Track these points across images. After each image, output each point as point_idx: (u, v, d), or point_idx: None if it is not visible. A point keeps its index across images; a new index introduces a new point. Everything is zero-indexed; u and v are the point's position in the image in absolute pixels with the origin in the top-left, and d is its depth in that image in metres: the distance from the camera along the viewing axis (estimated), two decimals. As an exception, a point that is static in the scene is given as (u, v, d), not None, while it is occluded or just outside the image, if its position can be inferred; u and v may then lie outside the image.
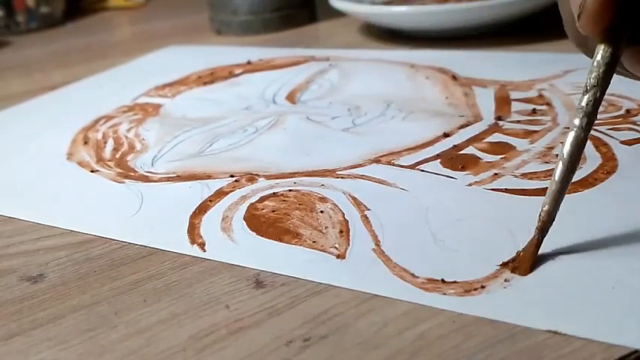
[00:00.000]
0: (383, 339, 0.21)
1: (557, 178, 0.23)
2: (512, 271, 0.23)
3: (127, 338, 0.22)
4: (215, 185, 0.33)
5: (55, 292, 0.26)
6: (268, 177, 0.33)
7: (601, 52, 0.23)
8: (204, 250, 0.27)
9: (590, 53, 0.23)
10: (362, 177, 0.32)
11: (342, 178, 0.32)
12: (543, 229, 0.23)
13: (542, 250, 0.24)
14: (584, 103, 0.23)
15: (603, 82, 0.23)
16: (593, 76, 0.23)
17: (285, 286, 0.24)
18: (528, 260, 0.23)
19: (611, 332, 0.20)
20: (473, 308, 0.22)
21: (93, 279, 0.26)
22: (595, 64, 0.23)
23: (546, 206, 0.23)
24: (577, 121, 0.23)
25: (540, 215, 0.23)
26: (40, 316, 0.24)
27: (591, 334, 0.20)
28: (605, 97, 0.37)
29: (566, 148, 0.23)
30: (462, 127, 0.37)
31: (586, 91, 0.23)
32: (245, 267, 0.26)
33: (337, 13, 0.66)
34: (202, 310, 0.23)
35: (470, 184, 0.30)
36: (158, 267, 0.26)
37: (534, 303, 0.22)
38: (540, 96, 0.40)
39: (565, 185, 0.23)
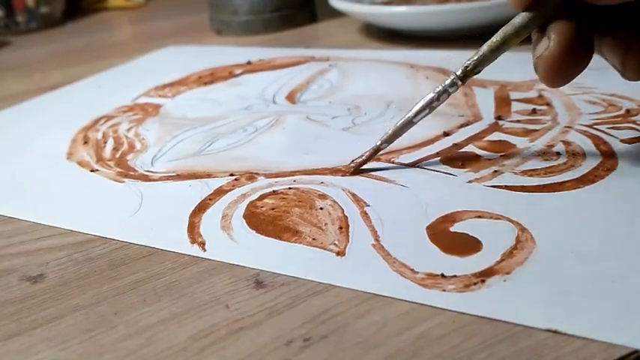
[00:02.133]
0: (383, 339, 0.21)
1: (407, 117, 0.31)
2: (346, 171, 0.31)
3: (127, 338, 0.22)
4: (215, 184, 0.33)
5: (55, 292, 0.26)
6: (268, 176, 0.33)
7: (517, 18, 0.27)
8: (205, 250, 0.27)
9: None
10: (362, 174, 0.32)
11: (342, 175, 0.32)
12: (382, 144, 0.31)
13: (542, 248, 0.24)
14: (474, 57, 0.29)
15: (481, 59, 0.28)
16: (490, 40, 0.28)
17: (285, 286, 0.24)
18: (358, 166, 0.32)
19: (611, 332, 0.20)
20: (473, 305, 0.22)
21: (93, 279, 0.26)
22: (508, 25, 0.27)
23: (391, 129, 0.31)
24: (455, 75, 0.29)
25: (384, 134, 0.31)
26: (40, 316, 0.24)
27: (591, 333, 0.20)
28: (606, 97, 0.38)
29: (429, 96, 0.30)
30: (462, 126, 0.37)
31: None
32: (245, 267, 0.26)
33: (337, 13, 0.66)
34: (202, 310, 0.23)
35: (470, 181, 0.30)
36: (158, 267, 0.26)
37: (534, 300, 0.22)
38: (540, 96, 0.40)
39: (407, 125, 0.31)
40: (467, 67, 0.29)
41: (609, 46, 0.26)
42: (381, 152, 0.34)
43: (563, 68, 0.25)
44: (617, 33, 0.25)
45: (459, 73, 0.29)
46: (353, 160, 0.32)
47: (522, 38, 0.27)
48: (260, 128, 0.40)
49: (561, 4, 0.26)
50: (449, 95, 0.30)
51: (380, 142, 0.31)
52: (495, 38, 0.28)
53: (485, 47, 0.28)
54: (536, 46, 0.26)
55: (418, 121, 0.30)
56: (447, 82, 0.29)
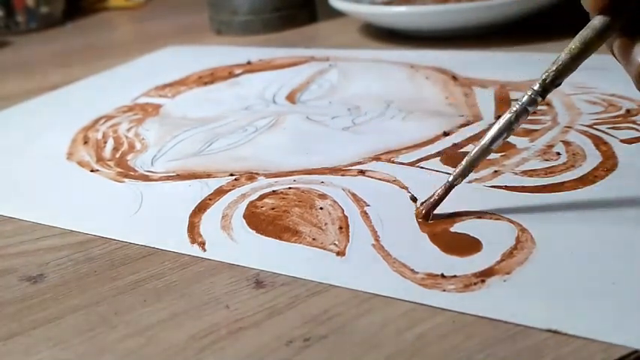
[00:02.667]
0: (383, 339, 0.21)
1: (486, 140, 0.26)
2: (417, 217, 0.27)
3: (127, 338, 0.22)
4: (215, 184, 0.33)
5: (55, 292, 0.26)
6: (268, 175, 0.33)
7: (596, 20, 0.24)
8: (205, 250, 0.27)
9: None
10: (362, 173, 0.32)
11: (341, 175, 0.32)
12: (455, 180, 0.27)
13: (542, 248, 0.24)
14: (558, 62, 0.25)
15: (562, 69, 0.25)
16: (568, 47, 0.25)
17: (285, 285, 0.24)
18: (431, 209, 0.27)
19: (611, 332, 0.20)
20: (473, 305, 0.22)
21: (93, 279, 0.26)
22: (587, 28, 0.25)
23: (465, 161, 0.26)
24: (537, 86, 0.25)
25: (458, 167, 0.27)
26: (40, 316, 0.24)
27: (591, 333, 0.20)
28: (606, 97, 0.38)
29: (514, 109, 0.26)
30: (462, 126, 0.37)
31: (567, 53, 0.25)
32: (245, 267, 0.26)
33: (337, 13, 0.66)
34: (202, 310, 0.23)
35: (470, 181, 0.30)
36: (158, 267, 0.26)
37: (534, 300, 0.22)
38: (540, 96, 0.40)
39: (485, 154, 0.26)
40: (545, 79, 0.25)
41: None
42: (382, 152, 0.34)
43: None
44: None
45: (537, 87, 0.25)
46: (424, 202, 0.28)
47: (604, 41, 0.25)
48: (260, 128, 0.40)
49: None
50: (528, 114, 0.26)
51: (453, 177, 0.27)
52: (574, 44, 0.25)
53: (564, 55, 0.25)
54: (630, 55, 0.24)
55: (496, 147, 0.26)
56: (525, 99, 0.26)
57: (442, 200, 0.27)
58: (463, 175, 0.27)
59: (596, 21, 0.25)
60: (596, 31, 0.25)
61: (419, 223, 0.27)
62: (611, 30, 0.24)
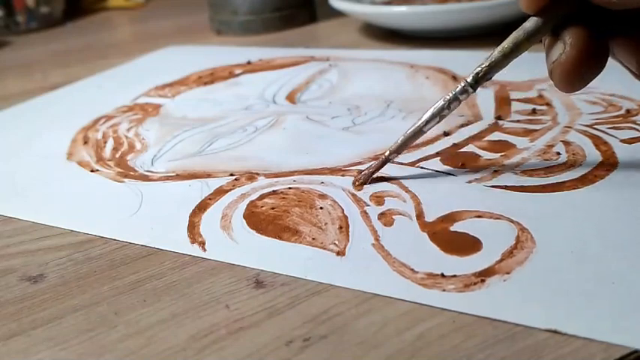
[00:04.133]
0: (383, 339, 0.21)
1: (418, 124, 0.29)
2: (354, 184, 0.30)
3: (127, 338, 0.22)
4: (215, 184, 0.33)
5: (55, 292, 0.26)
6: (268, 175, 0.33)
7: (528, 23, 0.26)
8: (205, 250, 0.27)
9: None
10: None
11: (342, 175, 0.32)
12: (391, 155, 0.30)
13: (542, 248, 0.24)
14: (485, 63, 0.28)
15: (493, 65, 0.27)
16: (501, 46, 0.27)
17: (285, 285, 0.24)
18: (367, 179, 0.30)
19: (611, 332, 0.20)
20: (473, 305, 0.22)
21: (93, 279, 0.26)
22: (520, 29, 0.26)
23: (400, 138, 0.30)
24: (469, 79, 0.28)
25: (392, 145, 0.30)
26: (40, 316, 0.24)
27: (591, 333, 0.20)
28: (606, 97, 0.38)
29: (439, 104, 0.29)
30: (462, 126, 0.37)
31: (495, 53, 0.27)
32: (245, 267, 0.26)
33: (337, 13, 0.66)
34: (202, 310, 0.23)
35: (470, 181, 0.30)
36: (158, 267, 0.26)
37: (534, 299, 0.22)
38: (540, 96, 0.40)
39: (417, 134, 0.29)
40: (478, 73, 0.28)
41: (624, 49, 0.25)
42: (382, 152, 0.34)
43: (581, 72, 0.24)
44: (633, 35, 0.25)
45: (469, 79, 0.28)
46: (360, 172, 0.31)
47: (534, 43, 0.26)
48: (260, 128, 0.40)
49: (574, 7, 0.25)
50: (460, 103, 0.29)
51: (388, 152, 0.30)
52: (507, 43, 0.27)
53: (496, 53, 0.27)
54: (549, 51, 0.25)
55: (428, 129, 0.29)
56: (458, 89, 0.28)
57: (376, 171, 0.31)
58: (397, 151, 0.30)
59: (529, 23, 0.26)
60: (526, 34, 0.26)
61: (419, 223, 0.27)
62: (541, 33, 0.26)
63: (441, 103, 0.29)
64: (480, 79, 0.28)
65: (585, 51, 0.24)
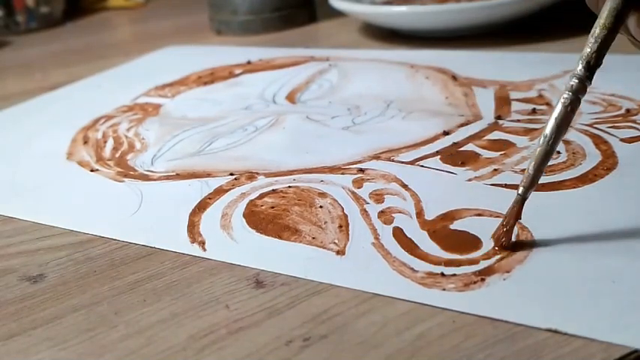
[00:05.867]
0: (383, 339, 0.21)
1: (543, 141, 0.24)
2: (496, 243, 0.25)
3: (127, 338, 0.22)
4: (214, 183, 0.33)
5: (55, 292, 0.26)
6: (268, 175, 0.33)
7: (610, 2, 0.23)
8: (205, 249, 0.27)
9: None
10: (361, 172, 0.32)
11: (341, 173, 0.32)
12: (527, 192, 0.24)
13: (541, 247, 0.24)
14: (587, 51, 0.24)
15: (601, 45, 0.24)
16: (600, 23, 0.24)
17: (285, 285, 0.24)
18: (510, 233, 0.25)
19: (611, 332, 0.20)
20: (473, 305, 0.22)
21: (93, 279, 0.26)
22: (604, 11, 0.23)
23: (531, 168, 0.24)
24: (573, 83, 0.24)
25: (524, 179, 0.24)
26: (40, 316, 0.24)
27: (591, 333, 0.20)
28: (606, 97, 0.38)
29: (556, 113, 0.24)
30: (462, 125, 0.37)
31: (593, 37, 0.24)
32: (245, 267, 0.26)
33: (337, 13, 0.66)
34: (202, 310, 0.23)
35: (470, 180, 0.30)
36: (158, 267, 0.26)
37: (534, 299, 0.22)
38: (540, 96, 0.40)
39: (548, 155, 0.24)
40: (589, 61, 0.24)
41: None
42: (381, 151, 0.34)
43: None
44: None
45: (580, 71, 0.24)
46: (502, 225, 0.25)
47: (632, 8, 0.23)
48: (260, 128, 0.40)
49: None
50: (580, 102, 0.24)
51: (522, 189, 0.24)
52: (604, 19, 0.24)
53: (598, 31, 0.24)
54: None
55: (557, 146, 0.24)
56: (575, 87, 0.24)
57: (518, 218, 0.25)
58: (532, 184, 0.24)
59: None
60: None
61: (419, 221, 0.27)
62: None
63: (561, 109, 0.24)
64: (592, 67, 0.24)
65: None
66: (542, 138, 0.24)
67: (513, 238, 0.25)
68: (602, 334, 0.20)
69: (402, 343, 0.21)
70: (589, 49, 0.24)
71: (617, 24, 0.24)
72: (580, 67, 0.24)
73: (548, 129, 0.24)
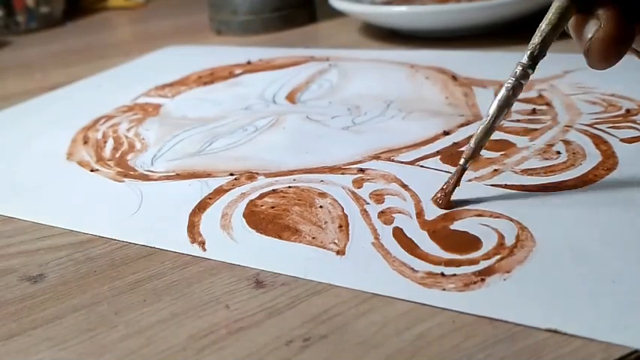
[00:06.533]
0: (383, 339, 0.21)
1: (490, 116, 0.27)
2: (435, 203, 0.28)
3: (127, 338, 0.22)
4: (215, 183, 0.33)
5: (55, 292, 0.26)
6: (268, 175, 0.33)
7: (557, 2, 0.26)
8: (205, 249, 0.27)
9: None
10: (361, 172, 0.32)
11: (341, 173, 0.32)
12: (466, 163, 0.28)
13: (541, 247, 0.24)
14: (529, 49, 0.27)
15: (545, 39, 0.26)
16: (547, 17, 0.26)
17: (285, 285, 0.24)
18: (449, 195, 0.28)
19: (611, 332, 0.20)
20: (473, 305, 0.22)
21: (93, 279, 0.26)
22: (552, 8, 0.26)
23: (472, 142, 0.27)
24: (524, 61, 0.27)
25: (465, 151, 0.27)
26: (40, 316, 0.24)
27: (591, 333, 0.20)
28: (606, 97, 0.38)
29: (500, 95, 0.27)
30: (462, 125, 0.37)
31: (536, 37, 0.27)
32: (245, 267, 0.26)
33: (337, 13, 0.66)
34: (202, 310, 0.23)
35: (470, 180, 0.30)
36: (158, 267, 0.26)
37: (534, 299, 0.22)
38: (540, 96, 0.40)
39: (489, 132, 0.27)
40: (532, 52, 0.27)
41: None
42: (381, 151, 0.34)
43: (619, 46, 0.25)
44: None
45: (525, 61, 0.27)
46: (442, 189, 0.28)
47: (577, 6, 0.26)
48: (260, 128, 0.40)
49: None
50: (522, 88, 0.27)
51: (463, 160, 0.28)
52: (551, 14, 0.26)
53: (544, 27, 0.26)
54: (581, 30, 0.26)
55: (498, 124, 0.27)
56: (518, 73, 0.27)
57: (457, 184, 0.28)
58: (473, 156, 0.28)
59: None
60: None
61: (419, 221, 0.27)
62: None
63: (504, 92, 0.27)
64: (536, 58, 0.27)
65: (621, 26, 0.24)
66: (485, 117, 0.27)
67: (513, 239, 0.25)
68: (602, 334, 0.20)
69: (402, 343, 0.21)
70: (535, 41, 0.27)
71: (561, 21, 0.26)
72: (525, 56, 0.27)
73: (491, 109, 0.27)
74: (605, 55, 0.25)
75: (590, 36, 0.25)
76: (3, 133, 0.45)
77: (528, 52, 0.27)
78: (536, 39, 0.27)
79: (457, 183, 0.28)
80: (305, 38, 0.65)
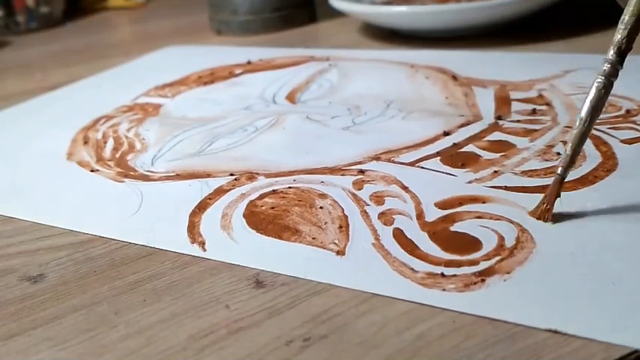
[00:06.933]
0: (383, 339, 0.21)
1: (582, 119, 0.25)
2: (539, 219, 0.26)
3: (127, 338, 0.22)
4: (215, 183, 0.33)
5: (55, 292, 0.26)
6: (268, 175, 0.33)
7: None
8: (205, 249, 0.27)
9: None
10: (361, 173, 0.32)
11: (341, 174, 0.32)
12: (565, 172, 0.26)
13: (541, 248, 0.24)
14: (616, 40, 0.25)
15: (631, 31, 0.25)
16: (629, 10, 0.25)
17: (285, 285, 0.24)
18: (550, 209, 0.26)
19: (611, 332, 0.20)
20: (473, 305, 0.22)
21: (93, 279, 0.26)
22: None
23: (568, 149, 0.26)
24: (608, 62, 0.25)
25: (562, 160, 0.26)
26: (40, 316, 0.24)
27: (591, 333, 0.20)
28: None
29: (591, 94, 0.26)
30: (462, 126, 0.37)
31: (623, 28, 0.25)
32: (245, 267, 0.26)
33: (337, 13, 0.66)
34: (202, 310, 0.23)
35: (470, 182, 0.30)
36: (158, 267, 0.26)
37: (534, 299, 0.22)
38: (540, 96, 0.40)
39: (584, 137, 0.26)
40: (620, 47, 0.25)
41: None
42: (381, 152, 0.34)
43: None
44: None
45: (612, 56, 0.26)
46: (543, 202, 0.27)
47: None
48: (260, 128, 0.40)
49: None
50: (612, 86, 0.26)
51: (561, 169, 0.26)
52: (632, 6, 0.25)
53: (627, 18, 0.25)
54: None
55: (592, 127, 0.26)
56: (607, 71, 0.26)
57: (558, 196, 0.26)
58: (570, 164, 0.26)
59: None
60: None
61: (419, 223, 0.27)
62: None
63: (594, 93, 0.26)
64: (623, 52, 0.25)
65: None
66: (578, 121, 0.26)
67: (513, 241, 0.25)
68: (602, 334, 0.20)
69: (402, 343, 0.21)
70: (620, 36, 0.25)
71: None
72: (612, 52, 0.26)
73: (584, 112, 0.26)
74: None
75: None
76: (3, 133, 0.45)
77: (615, 48, 0.25)
78: (620, 33, 0.25)
79: (557, 194, 0.26)
80: (305, 38, 0.65)
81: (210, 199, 0.31)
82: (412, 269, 0.24)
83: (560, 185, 0.26)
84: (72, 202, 0.33)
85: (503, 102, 0.39)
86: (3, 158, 0.40)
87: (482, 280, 0.23)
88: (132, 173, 0.36)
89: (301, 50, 0.57)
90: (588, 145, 0.32)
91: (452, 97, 0.42)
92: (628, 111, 0.36)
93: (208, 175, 0.34)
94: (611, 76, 0.26)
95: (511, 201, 0.28)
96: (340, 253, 0.26)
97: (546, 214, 0.26)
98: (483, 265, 0.24)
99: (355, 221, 0.28)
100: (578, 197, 0.28)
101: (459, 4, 0.53)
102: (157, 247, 0.28)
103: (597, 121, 0.34)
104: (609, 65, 0.26)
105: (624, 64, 0.26)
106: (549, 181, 0.29)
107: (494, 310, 0.21)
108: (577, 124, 0.26)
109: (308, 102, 0.44)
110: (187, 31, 0.75)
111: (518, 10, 0.53)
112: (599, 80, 0.26)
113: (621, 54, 0.26)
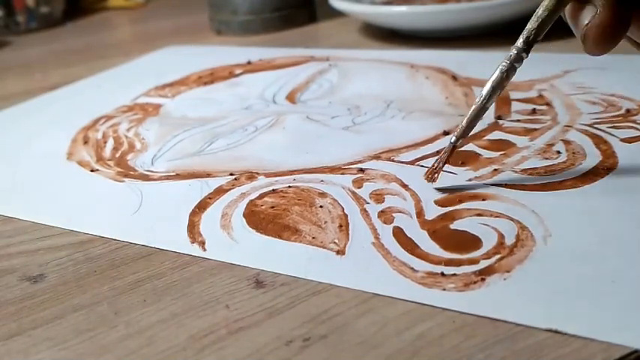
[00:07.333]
0: (383, 339, 0.21)
1: (478, 101, 0.28)
2: (427, 180, 0.29)
3: (127, 338, 0.22)
4: (215, 183, 0.33)
5: (55, 292, 0.26)
6: (268, 175, 0.33)
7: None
8: (205, 249, 0.27)
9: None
10: (361, 172, 0.32)
11: (341, 173, 0.32)
12: (457, 141, 0.29)
13: (541, 247, 0.24)
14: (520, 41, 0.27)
15: (541, 24, 0.27)
16: (544, 4, 0.27)
17: (285, 285, 0.24)
18: (438, 171, 0.29)
19: (611, 332, 0.20)
20: (473, 305, 0.22)
21: (93, 279, 0.26)
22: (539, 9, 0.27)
23: (464, 121, 0.28)
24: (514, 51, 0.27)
25: (457, 130, 0.28)
26: (40, 316, 0.24)
27: (591, 333, 0.20)
28: (606, 97, 0.38)
29: (492, 78, 0.28)
30: (462, 126, 0.37)
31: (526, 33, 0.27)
32: (245, 267, 0.26)
33: (337, 13, 0.66)
34: (202, 310, 0.23)
35: (470, 180, 0.30)
36: (158, 267, 0.26)
37: (534, 299, 0.22)
38: (540, 96, 0.40)
39: (481, 112, 0.28)
40: (528, 37, 0.27)
41: (636, 24, 0.26)
42: (381, 151, 0.34)
43: (614, 32, 0.25)
44: None
45: (520, 44, 0.27)
46: (433, 166, 0.29)
47: None
48: (260, 128, 0.40)
49: None
50: (515, 71, 0.28)
51: (454, 138, 0.29)
52: (547, 1, 0.27)
53: (540, 11, 0.27)
54: (578, 16, 0.26)
55: (490, 105, 0.28)
56: (512, 57, 0.27)
57: (447, 162, 0.29)
58: (463, 135, 0.28)
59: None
60: None
61: (419, 221, 0.27)
62: None
63: (497, 75, 0.28)
64: (531, 42, 0.27)
65: (617, 12, 0.25)
66: (478, 97, 0.28)
67: (513, 239, 0.25)
68: (602, 334, 0.20)
69: (402, 343, 0.21)
70: (530, 27, 0.27)
71: (557, 7, 0.26)
72: (521, 40, 0.27)
73: (485, 90, 0.28)
74: (601, 41, 0.25)
75: (586, 22, 0.25)
76: (3, 133, 0.45)
77: (524, 37, 0.27)
78: (532, 24, 0.27)
79: (447, 160, 0.29)
80: (305, 38, 0.65)
81: (210, 198, 0.31)
82: (412, 269, 0.24)
83: (452, 152, 0.29)
84: (72, 202, 0.33)
85: (503, 102, 0.39)
86: (3, 158, 0.40)
87: (483, 280, 0.23)
88: (132, 173, 0.36)
89: (301, 50, 0.57)
90: (588, 144, 0.32)
91: (452, 97, 0.42)
92: (628, 110, 0.36)
93: (208, 175, 0.34)
94: (515, 62, 0.27)
95: (512, 199, 0.28)
96: (340, 252, 0.26)
97: (434, 174, 0.29)
98: (483, 264, 0.24)
99: (355, 220, 0.28)
100: (579, 195, 0.28)
101: (459, 4, 0.53)
102: (157, 247, 0.28)
103: (597, 120, 0.35)
104: (515, 52, 0.27)
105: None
106: (549, 179, 0.29)
107: (494, 309, 0.21)
108: (477, 100, 0.28)
109: (308, 102, 0.44)
110: (187, 31, 0.75)
111: (518, 10, 0.53)
112: (504, 64, 0.28)
113: (529, 43, 0.27)
